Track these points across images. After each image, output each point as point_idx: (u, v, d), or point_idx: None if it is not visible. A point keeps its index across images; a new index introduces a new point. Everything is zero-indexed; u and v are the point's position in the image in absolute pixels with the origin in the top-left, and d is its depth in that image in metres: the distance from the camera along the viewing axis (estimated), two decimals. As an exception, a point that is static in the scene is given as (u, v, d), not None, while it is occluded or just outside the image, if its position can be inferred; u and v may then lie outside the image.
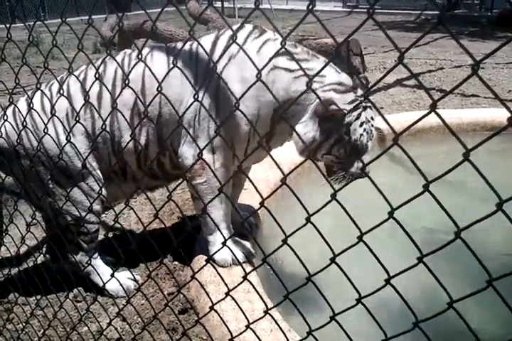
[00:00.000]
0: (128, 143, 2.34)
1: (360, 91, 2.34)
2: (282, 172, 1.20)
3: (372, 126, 2.35)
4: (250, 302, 2.29)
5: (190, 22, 1.26)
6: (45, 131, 1.88)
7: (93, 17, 1.41)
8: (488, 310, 2.42)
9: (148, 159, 2.50)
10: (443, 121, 0.94)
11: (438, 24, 0.89)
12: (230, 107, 2.25)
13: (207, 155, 2.37)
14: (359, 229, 1.01)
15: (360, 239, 1.00)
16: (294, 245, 1.19)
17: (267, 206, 1.24)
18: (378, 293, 1.02)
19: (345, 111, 2.23)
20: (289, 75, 2.31)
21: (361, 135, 2.31)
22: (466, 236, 0.86)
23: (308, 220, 1.10)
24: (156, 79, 1.39)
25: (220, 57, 2.23)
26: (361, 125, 2.30)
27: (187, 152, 2.42)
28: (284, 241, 1.14)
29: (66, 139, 1.78)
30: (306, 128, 2.27)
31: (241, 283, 1.38)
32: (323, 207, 1.08)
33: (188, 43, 2.45)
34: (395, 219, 0.93)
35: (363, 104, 2.30)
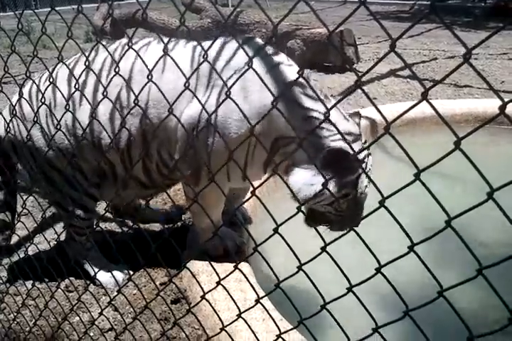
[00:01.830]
0: (111, 141, 2.20)
1: (363, 138, 2.18)
2: (274, 162, 1.19)
3: (372, 173, 2.18)
4: (242, 292, 2.29)
5: (183, 11, 1.24)
6: (35, 119, 1.86)
7: (85, 6, 1.40)
8: (479, 297, 2.44)
9: (132, 161, 2.34)
10: (435, 109, 0.94)
11: (430, 12, 0.88)
12: (228, 122, 2.09)
13: (203, 172, 2.23)
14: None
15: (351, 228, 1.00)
16: (286, 235, 1.18)
17: (259, 196, 1.24)
18: (371, 282, 1.02)
19: (362, 163, 2.08)
20: (298, 111, 2.07)
21: (366, 186, 2.15)
22: (460, 225, 0.87)
23: (299, 209, 1.09)
24: (149, 67, 1.36)
25: (224, 68, 2.11)
26: (367, 175, 2.11)
27: (182, 165, 2.27)
28: (275, 231, 1.14)
29: (56, 128, 1.76)
30: (315, 179, 2.03)
31: (232, 272, 1.38)
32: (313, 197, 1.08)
33: (191, 45, 2.28)
34: (385, 207, 0.93)
35: (367, 151, 2.16)
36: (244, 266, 2.52)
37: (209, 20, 8.21)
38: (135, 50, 1.44)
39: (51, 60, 7.11)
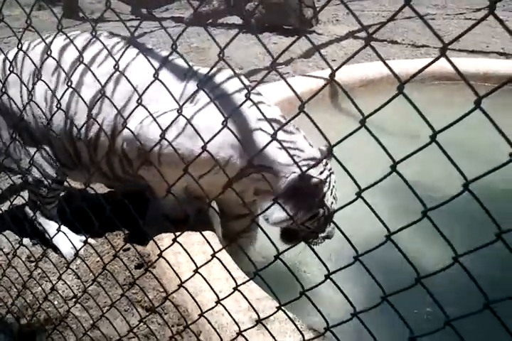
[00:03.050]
0: (83, 125, 2.19)
1: (324, 161, 2.31)
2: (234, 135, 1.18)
3: (336, 190, 2.33)
4: (205, 254, 2.31)
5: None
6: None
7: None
8: (427, 240, 2.53)
9: (98, 152, 2.34)
10: (383, 60, 0.94)
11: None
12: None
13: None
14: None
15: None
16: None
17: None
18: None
19: (325, 184, 2.22)
20: (273, 144, 2.15)
21: (332, 203, 2.29)
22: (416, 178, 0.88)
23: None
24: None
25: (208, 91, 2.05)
26: (331, 193, 2.28)
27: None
28: (229, 185, 1.14)
29: (28, 98, 1.71)
30: (284, 204, 2.15)
31: (184, 231, 1.37)
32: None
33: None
34: (333, 155, 0.93)
35: (329, 171, 2.29)
36: (206, 227, 2.53)
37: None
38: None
39: (1, 29, 6.79)
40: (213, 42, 1.14)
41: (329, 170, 2.30)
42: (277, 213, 2.16)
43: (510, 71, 4.55)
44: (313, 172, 2.18)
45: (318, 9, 6.93)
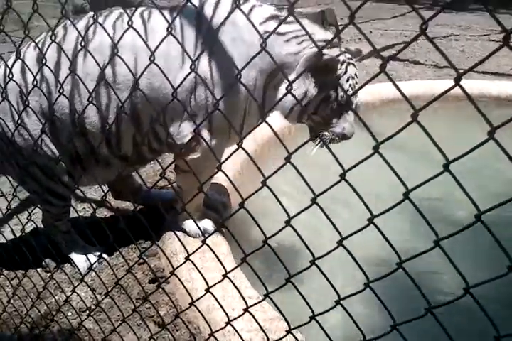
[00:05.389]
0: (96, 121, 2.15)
1: (343, 48, 2.34)
2: (240, 145, 1.19)
3: (356, 83, 2.30)
4: (220, 271, 2.29)
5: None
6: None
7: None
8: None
9: (120, 141, 2.28)
10: (396, 86, 0.95)
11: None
12: (227, 78, 2.14)
13: (204, 132, 2.23)
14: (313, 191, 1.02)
15: (313, 201, 1.01)
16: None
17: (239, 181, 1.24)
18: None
19: (339, 60, 2.20)
20: (280, 39, 2.20)
21: (347, 90, 2.25)
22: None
23: (263, 183, 1.10)
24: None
25: (210, 24, 2.12)
26: (348, 80, 2.24)
27: (185, 130, 2.23)
28: (241, 205, 1.15)
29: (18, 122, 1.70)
30: (296, 83, 2.13)
31: (200, 247, 1.39)
32: (278, 169, 1.08)
33: (165, 12, 2.19)
34: (346, 180, 0.94)
35: (348, 60, 2.27)
36: (222, 244, 2.54)
37: None
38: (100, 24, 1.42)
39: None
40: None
41: (349, 58, 2.28)
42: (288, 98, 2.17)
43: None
44: (326, 51, 2.15)
45: (340, 28, 6.97)
